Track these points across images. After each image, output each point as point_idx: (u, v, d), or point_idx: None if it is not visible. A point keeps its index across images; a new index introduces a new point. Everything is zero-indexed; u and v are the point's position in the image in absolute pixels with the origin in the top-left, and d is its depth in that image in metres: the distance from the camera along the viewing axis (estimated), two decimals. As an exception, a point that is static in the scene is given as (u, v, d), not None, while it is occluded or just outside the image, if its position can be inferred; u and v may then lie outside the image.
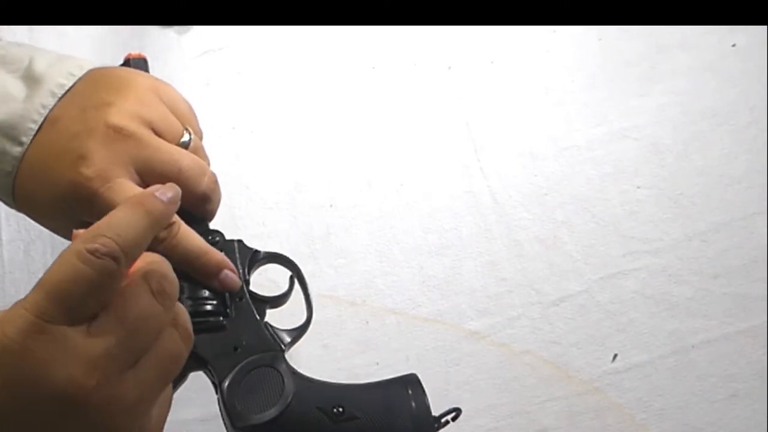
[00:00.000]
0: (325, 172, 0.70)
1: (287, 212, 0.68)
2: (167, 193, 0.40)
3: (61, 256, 0.35)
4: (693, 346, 0.62)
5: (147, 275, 0.37)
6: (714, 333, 0.63)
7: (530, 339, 0.63)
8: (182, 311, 0.40)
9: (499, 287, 0.65)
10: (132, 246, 0.36)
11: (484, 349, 0.63)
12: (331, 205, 0.68)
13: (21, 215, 0.67)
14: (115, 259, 0.35)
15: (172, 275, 0.39)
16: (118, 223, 0.36)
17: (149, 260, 0.38)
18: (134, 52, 0.57)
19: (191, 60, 0.74)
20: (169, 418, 0.39)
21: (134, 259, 0.37)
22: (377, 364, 0.62)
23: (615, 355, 0.62)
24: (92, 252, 0.34)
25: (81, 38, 0.73)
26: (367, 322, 0.64)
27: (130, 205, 0.38)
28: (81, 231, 0.38)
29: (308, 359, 0.62)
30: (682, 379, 0.61)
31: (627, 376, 0.62)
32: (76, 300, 0.34)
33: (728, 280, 0.64)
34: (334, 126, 0.72)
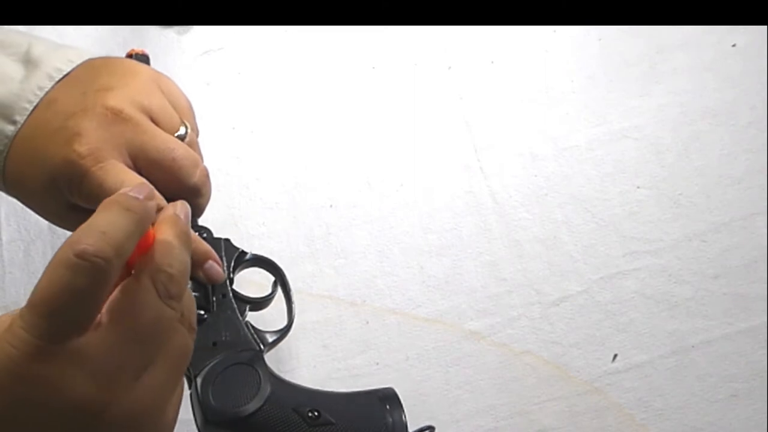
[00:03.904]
0: (325, 172, 0.70)
1: (287, 212, 0.68)
2: (141, 190, 0.37)
3: (48, 266, 0.33)
4: (693, 346, 0.62)
5: (153, 277, 0.36)
6: (714, 333, 0.63)
7: (530, 339, 0.63)
8: (189, 302, 0.38)
9: (499, 287, 0.65)
10: (119, 242, 0.34)
11: (484, 349, 0.63)
12: (331, 205, 0.68)
13: (21, 215, 0.67)
14: (104, 258, 0.33)
15: (179, 272, 0.37)
16: (100, 223, 0.34)
17: (156, 258, 0.37)
18: (137, 48, 0.57)
19: (191, 60, 0.74)
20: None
21: (126, 256, 0.35)
22: (377, 364, 0.62)
23: (615, 355, 0.62)
24: (79, 255, 0.32)
25: (81, 38, 0.73)
26: (367, 322, 0.64)
27: (106, 205, 0.36)
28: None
29: (308, 359, 0.62)
30: (682, 379, 0.61)
31: (627, 376, 0.62)
32: (73, 312, 0.33)
33: (728, 280, 0.64)
34: (334, 126, 0.72)
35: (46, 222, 0.66)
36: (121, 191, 0.37)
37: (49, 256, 0.65)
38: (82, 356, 0.33)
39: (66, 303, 0.32)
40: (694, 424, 0.60)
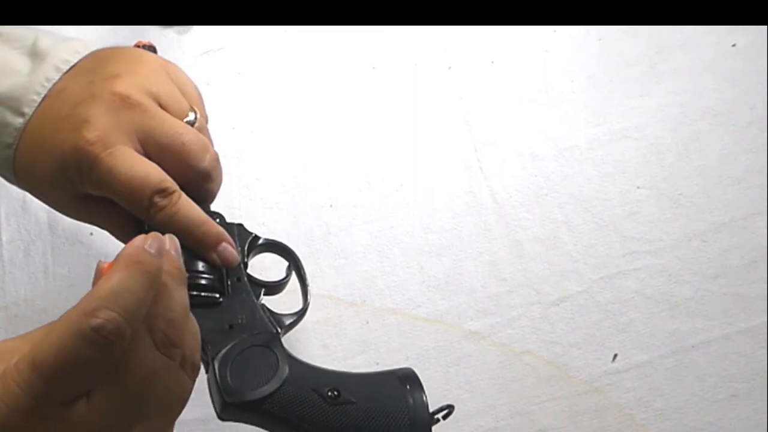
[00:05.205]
0: (325, 172, 0.70)
1: (287, 212, 0.68)
2: (154, 244, 0.36)
3: (58, 327, 0.32)
4: (693, 346, 0.62)
5: (151, 326, 0.34)
6: (714, 333, 0.63)
7: (530, 339, 0.63)
8: (192, 337, 0.37)
9: (499, 287, 0.65)
10: (136, 313, 0.33)
11: (484, 349, 0.63)
12: (331, 205, 0.68)
13: (21, 215, 0.67)
14: (120, 334, 0.32)
15: (179, 314, 0.36)
16: (120, 291, 0.33)
17: (152, 304, 0.35)
18: (144, 40, 0.57)
19: (191, 60, 0.74)
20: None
21: (139, 323, 0.33)
22: (377, 364, 0.62)
23: (615, 355, 0.62)
24: (96, 330, 0.31)
25: (81, 38, 0.73)
26: (367, 322, 0.64)
27: (126, 266, 0.34)
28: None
29: (308, 359, 0.62)
30: (682, 379, 0.61)
31: (627, 376, 0.62)
32: (76, 381, 0.32)
33: (728, 280, 0.64)
34: (334, 126, 0.72)
35: (47, 222, 0.66)
36: (138, 245, 0.35)
37: (49, 256, 0.66)
38: (72, 418, 0.32)
39: (71, 372, 0.31)
40: (694, 424, 0.60)
